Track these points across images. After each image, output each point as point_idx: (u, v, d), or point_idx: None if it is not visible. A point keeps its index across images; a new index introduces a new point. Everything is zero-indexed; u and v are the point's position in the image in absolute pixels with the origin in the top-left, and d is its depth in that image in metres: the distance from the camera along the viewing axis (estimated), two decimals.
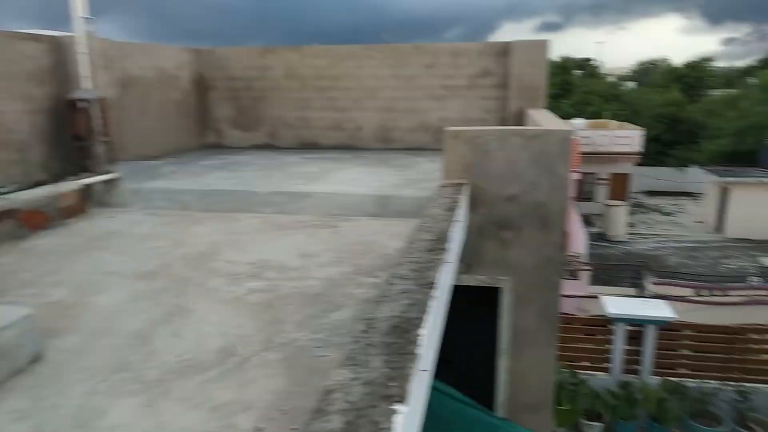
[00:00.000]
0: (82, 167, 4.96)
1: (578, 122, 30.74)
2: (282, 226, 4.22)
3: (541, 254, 4.37)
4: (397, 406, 1.44)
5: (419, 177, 5.36)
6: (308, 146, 7.43)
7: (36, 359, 2.24)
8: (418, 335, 1.83)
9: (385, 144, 7.40)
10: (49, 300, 2.84)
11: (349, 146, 7.40)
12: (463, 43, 7.27)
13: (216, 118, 7.60)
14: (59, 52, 5.00)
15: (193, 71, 7.39)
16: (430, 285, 2.29)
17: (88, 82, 5.02)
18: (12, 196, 4.13)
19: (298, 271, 3.26)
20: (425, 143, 7.24)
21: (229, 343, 2.39)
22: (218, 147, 7.58)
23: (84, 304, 2.81)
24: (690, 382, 9.88)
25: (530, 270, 4.40)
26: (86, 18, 5.01)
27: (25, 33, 4.86)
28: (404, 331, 1.87)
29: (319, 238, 3.94)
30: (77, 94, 4.95)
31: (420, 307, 2.07)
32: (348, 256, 3.51)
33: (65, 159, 5.06)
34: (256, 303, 2.81)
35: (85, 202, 4.66)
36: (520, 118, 6.88)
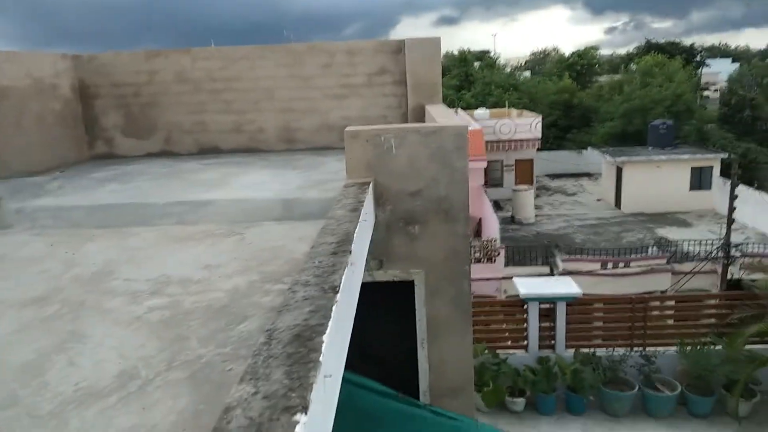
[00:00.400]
0: None
1: (481, 112, 31.97)
2: (182, 238, 4.08)
3: (447, 245, 4.53)
4: (298, 417, 1.46)
5: (325, 177, 5.37)
6: (208, 151, 7.20)
7: None
8: (321, 342, 1.86)
9: (289, 145, 7.33)
10: None
11: (251, 149, 7.26)
12: (359, 42, 7.33)
13: (104, 127, 7.17)
14: None
15: (74, 78, 6.92)
16: (334, 289, 2.32)
17: None
18: None
19: (202, 283, 3.18)
20: (330, 143, 7.25)
21: (129, 366, 2.29)
22: (109, 157, 7.16)
23: None
24: (601, 352, 10.65)
25: (439, 261, 4.55)
26: None
27: None
28: (306, 339, 1.89)
29: (223, 247, 3.85)
30: None
31: (323, 313, 2.10)
32: (254, 264, 3.47)
33: None
34: (157, 321, 2.71)
35: None
36: (419, 114, 7.05)
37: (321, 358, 1.75)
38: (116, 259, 3.65)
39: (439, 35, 7.14)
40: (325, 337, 1.89)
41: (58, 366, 2.34)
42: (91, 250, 3.87)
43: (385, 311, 4.83)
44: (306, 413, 1.48)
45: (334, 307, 2.15)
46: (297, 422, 1.44)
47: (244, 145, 7.25)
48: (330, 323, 2.01)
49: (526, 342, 10.85)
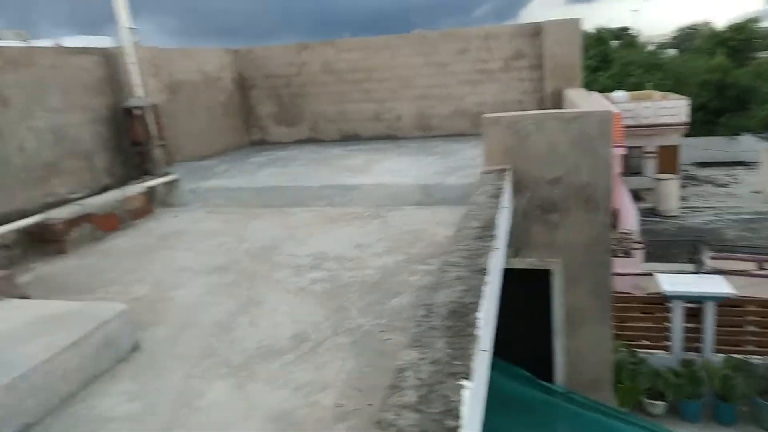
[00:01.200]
0: (143, 171, 5.31)
1: (619, 95, 29.97)
2: (334, 219, 4.45)
3: (588, 234, 4.47)
4: (463, 382, 1.63)
5: (461, 164, 5.50)
6: (349, 138, 7.64)
7: (134, 349, 2.53)
8: (476, 318, 2.02)
9: (424, 132, 7.54)
10: (133, 296, 3.14)
11: (389, 136, 7.58)
12: (494, 26, 7.30)
13: (259, 116, 7.88)
14: (110, 63, 5.33)
15: (234, 72, 7.68)
16: (483, 271, 2.46)
17: (140, 89, 5.35)
18: (86, 201, 4.49)
19: (355, 261, 3.48)
20: (464, 129, 7.35)
21: (301, 330, 2.62)
22: (263, 143, 7.88)
23: (166, 299, 3.11)
24: (756, 359, 9.69)
25: (579, 250, 4.50)
26: (131, 28, 5.32)
27: (77, 47, 5.19)
28: (462, 315, 2.06)
29: (371, 228, 4.14)
30: (131, 102, 5.28)
31: (475, 292, 2.25)
32: (399, 245, 3.71)
33: (127, 164, 5.41)
34: (320, 292, 3.04)
35: (150, 203, 5.00)
36: (557, 99, 6.90)
37: (478, 332, 1.91)
38: (279, 235, 4.10)
39: (575, 14, 6.90)
40: (479, 314, 2.04)
41: (242, 326, 2.74)
42: (257, 227, 4.37)
43: (520, 299, 4.88)
44: (470, 379, 1.66)
45: (484, 288, 2.29)
46: (462, 386, 1.62)
47: (383, 132, 7.59)
48: (483, 302, 2.17)
49: (667, 343, 10.19)
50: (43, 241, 4.04)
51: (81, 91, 4.97)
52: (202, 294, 3.15)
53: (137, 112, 5.20)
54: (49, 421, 2.07)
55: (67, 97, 4.82)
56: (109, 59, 5.27)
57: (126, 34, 5.19)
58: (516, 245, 4.53)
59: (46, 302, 2.70)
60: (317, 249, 3.73)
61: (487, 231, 3.02)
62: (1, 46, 4.48)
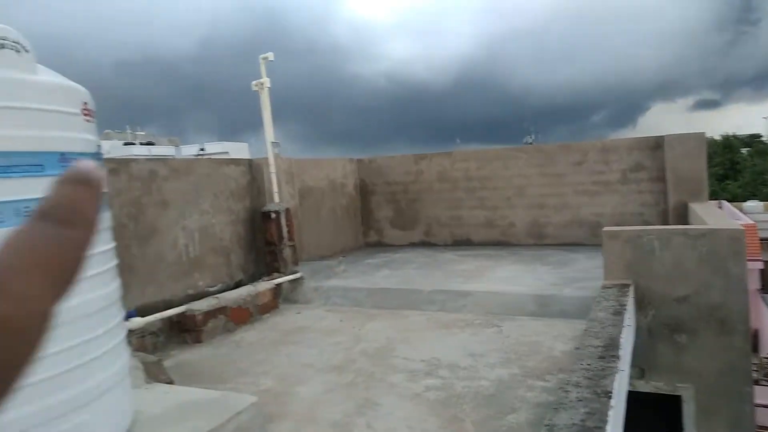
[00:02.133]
0: (272, 268, 5.77)
1: (752, 205, 27.82)
2: (446, 324, 4.51)
3: (723, 360, 4.12)
4: None
5: (577, 275, 5.40)
6: (461, 243, 7.80)
7: None
8: None
9: (537, 240, 7.52)
10: (262, 388, 3.36)
11: (501, 243, 7.64)
12: (613, 139, 7.33)
13: (377, 219, 8.34)
14: (253, 171, 6.02)
15: (357, 178, 8.30)
16: (607, 394, 2.39)
17: (276, 195, 5.95)
18: (222, 295, 4.95)
19: (468, 370, 3.49)
20: (580, 239, 7.24)
21: None
22: (379, 245, 8.26)
23: (289, 394, 3.29)
24: None
25: (713, 377, 4.15)
26: (274, 142, 6.02)
27: (229, 159, 5.96)
28: None
29: (484, 337, 4.15)
30: (269, 207, 5.87)
31: (599, 417, 2.19)
32: (514, 356, 3.67)
33: (258, 261, 5.92)
34: (434, 400, 3.07)
35: (277, 299, 5.38)
36: (681, 212, 6.64)
37: None
38: (394, 338, 4.22)
39: (698, 121, 6.76)
40: None
41: (359, 427, 2.82)
42: (373, 327, 4.54)
43: (648, 426, 4.50)
44: None
45: (609, 412, 2.22)
46: None
47: (495, 238, 7.67)
48: (607, 427, 2.10)
49: None
50: (184, 331, 4.48)
51: (227, 196, 5.64)
52: (322, 392, 3.30)
53: (273, 215, 5.76)
54: None
55: (216, 201, 5.48)
56: (253, 168, 5.97)
57: (270, 147, 5.90)
58: (640, 366, 4.27)
59: (188, 389, 2.98)
60: (431, 354, 3.79)
61: (610, 350, 2.94)
62: (168, 158, 5.28)
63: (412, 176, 8.13)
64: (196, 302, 4.70)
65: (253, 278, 5.75)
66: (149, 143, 29.29)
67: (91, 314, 2.20)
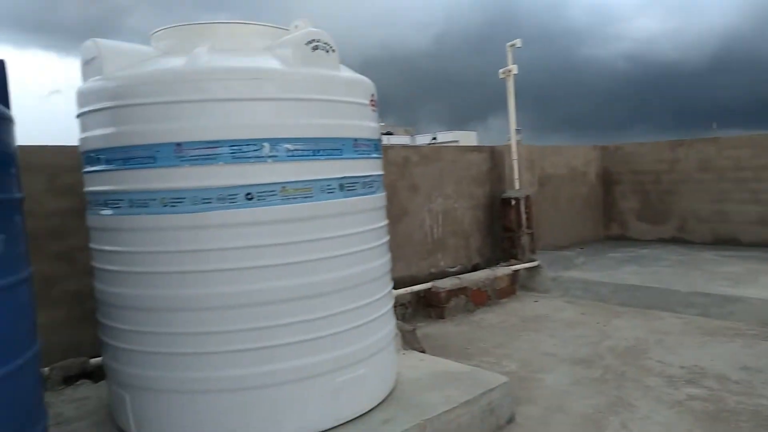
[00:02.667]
0: (509, 255, 5.79)
1: None
2: (710, 331, 4.01)
3: None
4: None
5: None
6: (725, 242, 6.80)
7: (510, 420, 2.76)
8: None
9: None
10: (505, 370, 3.42)
11: None
12: None
13: (621, 211, 7.75)
14: (495, 158, 6.07)
15: (599, 167, 7.80)
16: None
17: (516, 182, 5.93)
18: (463, 276, 5.15)
19: (743, 385, 3.06)
20: None
21: None
22: (621, 239, 7.67)
23: (534, 380, 3.29)
24: None
25: None
26: (517, 129, 5.98)
27: (472, 146, 6.11)
28: None
29: (760, 350, 3.58)
30: (509, 193, 5.89)
31: None
32: None
33: (495, 247, 6.00)
34: (701, 411, 2.77)
35: (514, 285, 5.40)
36: None
37: None
38: (645, 338, 3.90)
39: None
40: None
41: (613, 425, 2.69)
42: (619, 325, 4.26)
43: None
44: None
45: None
46: None
47: None
48: None
49: None
50: (429, 306, 4.79)
51: (469, 182, 5.81)
52: (569, 383, 3.23)
53: (513, 201, 5.77)
54: None
55: (458, 186, 5.70)
56: (494, 155, 6.05)
57: (513, 133, 5.90)
58: None
59: (440, 359, 3.19)
60: (692, 362, 3.41)
61: None
62: (419, 146, 5.63)
63: (665, 165, 7.34)
64: (439, 280, 4.97)
65: (489, 263, 5.85)
66: (388, 133, 31.63)
67: (373, 280, 2.49)
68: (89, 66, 2.23)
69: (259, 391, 2.21)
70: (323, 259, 2.26)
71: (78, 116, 2.33)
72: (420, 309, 4.84)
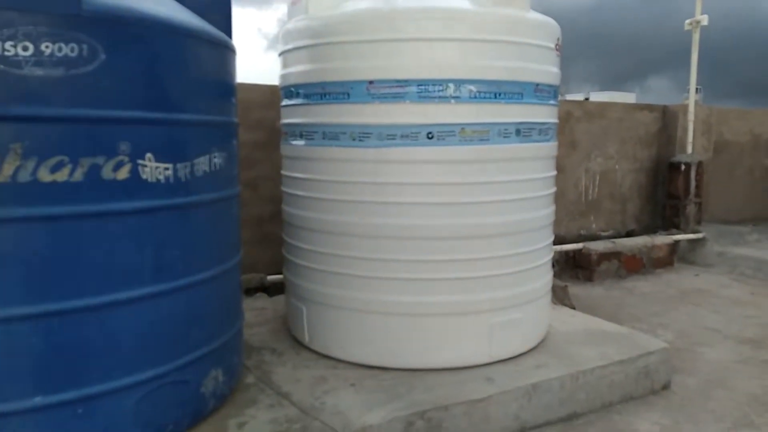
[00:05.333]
0: (671, 224, 5.40)
1: None
2: None
3: None
4: None
5: None
6: None
7: (666, 387, 2.67)
8: None
9: None
10: (659, 339, 3.28)
11: None
12: None
13: None
14: (666, 119, 5.60)
15: None
16: None
17: (689, 146, 5.43)
18: (617, 241, 4.92)
19: None
20: None
21: None
22: None
23: (692, 352, 3.13)
24: None
25: None
26: (697, 88, 5.43)
27: (643, 104, 5.67)
28: None
29: None
30: (679, 158, 5.43)
31: None
32: None
33: (655, 214, 5.62)
34: None
35: (673, 256, 5.06)
36: None
37: None
38: None
39: None
40: None
41: None
42: None
43: None
44: None
45: None
46: None
47: None
48: None
49: None
50: (578, 267, 4.67)
51: (635, 142, 5.45)
52: (733, 360, 3.03)
53: (682, 167, 5.32)
54: (592, 417, 2.42)
55: (622, 147, 5.37)
56: (666, 115, 5.58)
57: (692, 92, 5.39)
58: None
59: (593, 318, 3.14)
60: None
61: None
62: (582, 101, 5.37)
63: None
64: (592, 242, 4.81)
65: (647, 230, 5.50)
66: None
67: (537, 229, 2.51)
68: (295, 6, 2.43)
69: (420, 318, 2.37)
70: (493, 202, 2.32)
71: (280, 54, 2.56)
72: (568, 269, 4.74)
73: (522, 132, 2.33)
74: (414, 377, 2.30)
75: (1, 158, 1.38)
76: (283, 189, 2.67)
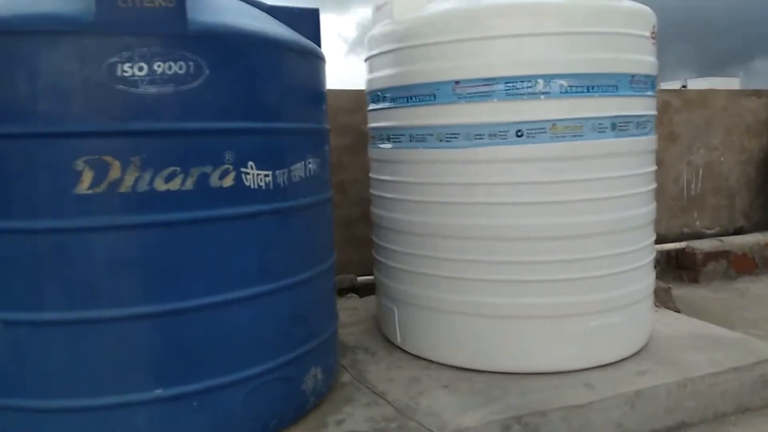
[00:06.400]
0: None
1: None
2: None
3: None
4: None
5: None
6: None
7: None
8: None
9: None
10: None
11: None
12: None
13: None
14: None
15: None
16: None
17: None
18: (727, 239, 4.57)
19: None
20: None
21: None
22: None
23: None
24: None
25: None
26: None
27: (749, 90, 5.23)
28: None
29: None
30: None
31: None
32: None
33: (767, 209, 5.16)
34: None
35: None
36: None
37: None
38: None
39: None
40: None
41: None
42: None
43: None
44: None
45: None
46: None
47: None
48: None
49: None
50: (682, 267, 4.39)
51: (741, 132, 5.04)
52: None
53: None
54: (704, 428, 2.27)
55: (727, 137, 4.98)
56: None
57: None
58: None
59: (700, 322, 2.94)
60: None
61: None
62: (681, 89, 5.04)
63: None
64: (696, 241, 4.50)
65: (758, 227, 5.06)
66: None
67: (637, 228, 2.39)
68: (380, 11, 2.47)
69: (513, 321, 2.32)
70: (589, 201, 2.23)
71: (366, 59, 2.62)
72: (670, 270, 4.46)
73: (618, 126, 2.23)
74: (508, 381, 2.26)
75: (123, 171, 1.51)
76: (372, 192, 2.71)
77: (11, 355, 1.59)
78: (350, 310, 3.22)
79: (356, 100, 3.60)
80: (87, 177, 1.49)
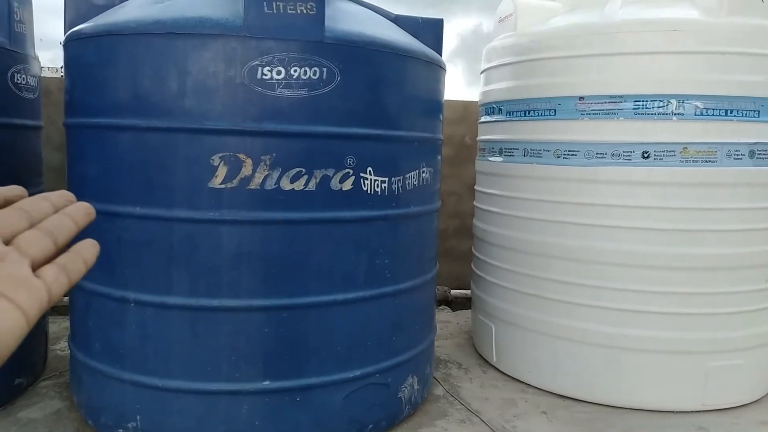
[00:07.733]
0: None
1: None
2: None
3: None
4: None
5: None
6: None
7: None
8: None
9: None
10: None
11: None
12: None
13: None
14: None
15: None
16: None
17: None
18: None
19: None
20: None
21: None
22: None
23: None
24: None
25: None
26: None
27: None
28: None
29: None
30: None
31: None
32: None
33: None
34: None
35: None
36: None
37: None
38: None
39: None
40: None
41: None
42: None
43: None
44: None
45: None
46: None
47: None
48: None
49: None
50: None
51: None
52: None
53: None
54: None
55: None
56: None
57: None
58: None
59: None
60: None
61: None
62: None
63: None
64: None
65: None
66: None
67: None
68: (503, 23, 2.43)
69: (622, 352, 2.19)
70: (717, 232, 2.07)
71: (483, 71, 2.59)
72: None
73: (757, 154, 2.05)
74: (612, 414, 2.14)
75: (254, 168, 1.57)
76: (476, 204, 2.67)
77: (138, 334, 1.70)
78: (443, 323, 3.18)
79: (462, 111, 3.58)
80: (221, 172, 1.57)
